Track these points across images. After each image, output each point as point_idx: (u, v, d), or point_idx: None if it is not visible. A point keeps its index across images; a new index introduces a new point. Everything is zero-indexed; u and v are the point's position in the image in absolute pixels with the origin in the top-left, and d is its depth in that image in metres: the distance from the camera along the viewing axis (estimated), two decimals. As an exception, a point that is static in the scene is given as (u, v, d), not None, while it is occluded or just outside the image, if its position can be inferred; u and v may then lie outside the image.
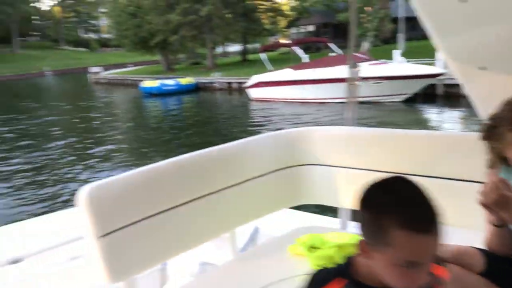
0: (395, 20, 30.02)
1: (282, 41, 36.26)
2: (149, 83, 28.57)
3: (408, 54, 21.47)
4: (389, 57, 20.18)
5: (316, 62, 20.01)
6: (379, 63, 18.52)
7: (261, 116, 18.44)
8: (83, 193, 1.74)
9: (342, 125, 2.81)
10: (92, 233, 1.74)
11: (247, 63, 28.51)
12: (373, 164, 2.31)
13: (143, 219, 1.90)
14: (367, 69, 17.26)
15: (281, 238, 2.38)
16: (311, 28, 50.56)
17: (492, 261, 1.57)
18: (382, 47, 29.21)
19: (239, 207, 2.30)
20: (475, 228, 1.75)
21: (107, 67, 51.68)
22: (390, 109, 17.82)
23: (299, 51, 21.02)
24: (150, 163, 2.02)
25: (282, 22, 42.22)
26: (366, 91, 17.01)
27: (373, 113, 16.61)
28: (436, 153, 2.17)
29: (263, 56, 22.65)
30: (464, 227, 1.99)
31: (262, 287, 1.93)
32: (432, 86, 18.69)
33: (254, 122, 17.69)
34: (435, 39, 2.06)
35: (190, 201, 2.07)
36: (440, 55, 18.17)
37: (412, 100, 18.51)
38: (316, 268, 1.80)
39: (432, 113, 17.53)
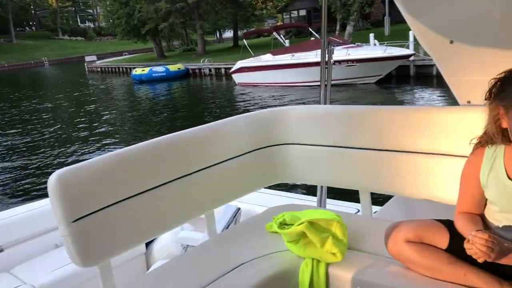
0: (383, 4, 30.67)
1: (273, 26, 36.84)
2: (139, 71, 29.42)
3: (392, 37, 22.19)
4: (379, 39, 20.89)
5: (294, 47, 20.82)
6: (353, 47, 19.29)
7: (244, 100, 19.29)
8: (52, 179, 1.73)
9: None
10: (64, 218, 1.73)
11: (237, 48, 29.29)
12: (348, 141, 2.31)
13: (116, 202, 1.88)
14: (342, 52, 18.16)
15: (258, 217, 2.37)
16: (303, 12, 51.05)
17: (456, 235, 1.55)
18: (373, 30, 29.87)
19: (215, 188, 2.29)
20: (444, 201, 1.75)
21: (103, 56, 52.46)
22: (363, 90, 18.64)
23: (279, 36, 21.80)
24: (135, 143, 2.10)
25: (273, 8, 42.81)
26: (340, 74, 17.87)
27: (348, 94, 17.47)
28: (411, 128, 2.14)
29: (245, 42, 23.45)
30: (435, 199, 2.04)
31: (238, 265, 1.90)
32: (405, 67, 19.48)
33: (236, 105, 18.56)
34: (407, 18, 2.13)
35: (165, 183, 2.06)
36: (411, 37, 19.06)
37: (386, 81, 19.33)
38: (290, 245, 1.93)
39: (403, 93, 18.35)
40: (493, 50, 2.04)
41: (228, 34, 52.66)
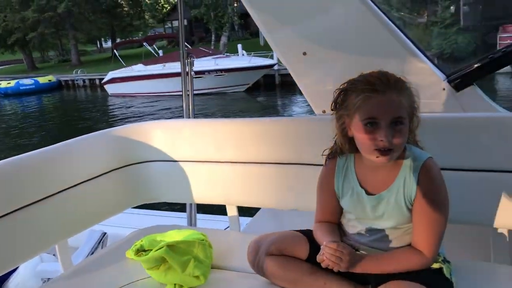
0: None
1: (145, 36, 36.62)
2: (4, 84, 27.53)
3: (266, 47, 23.23)
4: (255, 49, 21.55)
5: (166, 57, 21.11)
6: (222, 57, 20.11)
7: (116, 111, 19.10)
8: None
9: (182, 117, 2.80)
10: None
11: (116, 59, 28.81)
12: (213, 155, 2.23)
13: None
14: (211, 62, 18.83)
15: (121, 242, 2.17)
16: (186, 22, 51.42)
17: (316, 245, 1.54)
18: (252, 40, 31.07)
19: (70, 215, 2.09)
20: (310, 210, 1.75)
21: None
22: (233, 98, 19.50)
23: (149, 47, 21.91)
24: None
25: (154, 17, 42.52)
26: (211, 83, 18.54)
27: (218, 102, 18.16)
28: (274, 139, 2.13)
29: (116, 52, 23.21)
30: (301, 209, 2.05)
31: None
32: (271, 76, 20.72)
33: (110, 116, 18.30)
34: (263, 30, 2.15)
35: (9, 213, 1.85)
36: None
37: (255, 89, 20.39)
38: (151, 272, 1.80)
39: (270, 100, 19.53)
40: (344, 61, 2.09)
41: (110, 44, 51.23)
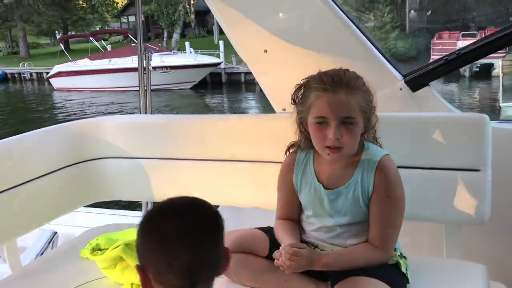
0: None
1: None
2: None
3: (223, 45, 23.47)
4: (210, 47, 21.73)
5: (111, 53, 21.14)
6: (168, 54, 20.26)
7: (61, 105, 18.99)
8: None
9: (138, 113, 2.72)
10: None
11: (67, 52, 28.35)
12: (170, 152, 2.18)
13: None
14: (157, 59, 18.93)
15: (74, 241, 2.13)
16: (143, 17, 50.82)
17: (276, 242, 1.55)
18: (208, 38, 31.19)
19: (18, 214, 2.00)
20: (271, 207, 1.74)
21: None
22: (179, 95, 19.71)
23: (95, 42, 21.83)
24: None
25: (108, 12, 41.96)
26: (157, 80, 18.57)
27: (164, 99, 18.31)
28: (232, 136, 2.09)
29: (61, 46, 22.99)
30: (261, 206, 2.02)
31: None
32: (218, 74, 21.05)
33: (54, 110, 18.17)
34: (224, 27, 2.15)
35: None
36: (221, 47, 20.67)
37: (201, 87, 20.65)
38: (106, 272, 1.76)
39: (214, 97, 19.86)
40: (304, 59, 2.10)
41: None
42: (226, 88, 21.01)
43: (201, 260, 0.96)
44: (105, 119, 2.42)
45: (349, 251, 1.51)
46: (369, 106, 1.46)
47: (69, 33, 37.82)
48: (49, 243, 2.72)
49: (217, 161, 2.10)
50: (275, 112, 2.27)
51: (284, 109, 2.20)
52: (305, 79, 1.50)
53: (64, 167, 2.17)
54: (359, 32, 2.13)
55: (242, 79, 20.40)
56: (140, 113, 2.82)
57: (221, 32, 28.55)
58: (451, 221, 1.76)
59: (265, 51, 2.17)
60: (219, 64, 19.69)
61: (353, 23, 2.14)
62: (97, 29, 37.71)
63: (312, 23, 2.12)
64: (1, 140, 2.00)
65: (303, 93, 1.49)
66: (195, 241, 0.96)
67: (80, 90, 21.07)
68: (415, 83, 2.14)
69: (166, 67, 19.12)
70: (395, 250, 1.52)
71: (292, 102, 1.53)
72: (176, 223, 0.97)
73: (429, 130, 1.77)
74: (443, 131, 1.75)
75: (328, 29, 2.14)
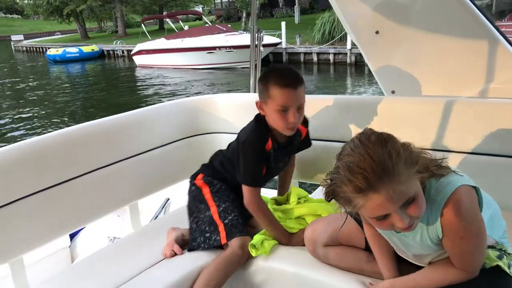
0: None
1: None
2: (53, 51, 30.80)
3: (300, 26, 23.82)
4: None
5: (184, 33, 23.01)
6: (233, 34, 21.65)
7: (143, 79, 20.94)
8: None
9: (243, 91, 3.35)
10: None
11: (162, 31, 31.01)
12: None
13: (26, 196, 1.77)
14: (222, 38, 20.46)
15: (181, 209, 2.21)
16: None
17: None
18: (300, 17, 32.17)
19: (140, 179, 2.18)
20: None
21: (39, 35, 52.23)
22: (243, 73, 21.04)
23: (170, 22, 23.88)
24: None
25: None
26: (222, 59, 20.27)
27: (230, 76, 19.74)
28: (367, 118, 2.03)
29: (143, 26, 25.44)
30: None
31: (158, 260, 1.86)
32: (279, 54, 22.07)
33: (138, 83, 20.17)
34: (334, 7, 2.21)
35: (84, 174, 1.95)
36: (283, 28, 21.59)
37: (264, 66, 21.41)
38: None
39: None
40: (416, 42, 2.03)
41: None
42: (287, 67, 21.85)
43: None
44: (217, 96, 2.59)
45: (426, 274, 1.43)
46: (413, 169, 1.19)
47: (163, 13, 40.98)
48: (163, 208, 2.94)
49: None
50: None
51: (393, 91, 2.17)
52: (330, 179, 1.24)
53: (179, 140, 2.39)
54: (478, 12, 1.95)
55: (302, 59, 21.24)
56: (250, 91, 2.89)
57: (323, 10, 28.73)
58: None
59: (377, 32, 2.14)
60: (278, 44, 20.65)
61: (474, 4, 1.97)
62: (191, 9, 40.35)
63: (428, 3, 2.02)
64: (124, 113, 2.22)
65: (336, 193, 1.24)
66: None
67: (158, 67, 23.38)
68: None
69: (230, 47, 20.55)
70: (499, 249, 1.39)
71: (328, 199, 1.28)
72: None
73: None
74: None
75: (444, 8, 2.00)
